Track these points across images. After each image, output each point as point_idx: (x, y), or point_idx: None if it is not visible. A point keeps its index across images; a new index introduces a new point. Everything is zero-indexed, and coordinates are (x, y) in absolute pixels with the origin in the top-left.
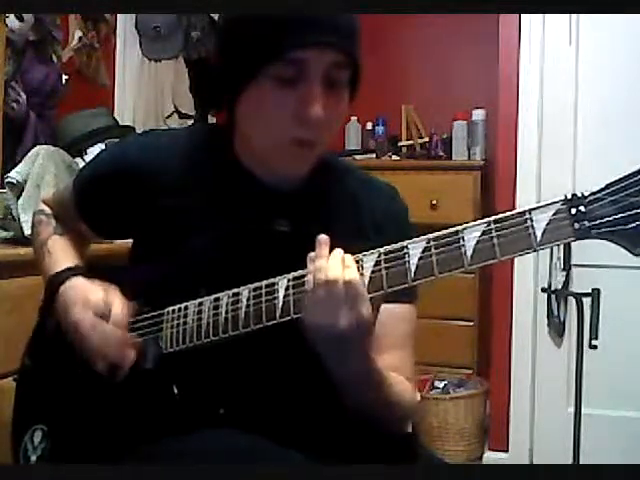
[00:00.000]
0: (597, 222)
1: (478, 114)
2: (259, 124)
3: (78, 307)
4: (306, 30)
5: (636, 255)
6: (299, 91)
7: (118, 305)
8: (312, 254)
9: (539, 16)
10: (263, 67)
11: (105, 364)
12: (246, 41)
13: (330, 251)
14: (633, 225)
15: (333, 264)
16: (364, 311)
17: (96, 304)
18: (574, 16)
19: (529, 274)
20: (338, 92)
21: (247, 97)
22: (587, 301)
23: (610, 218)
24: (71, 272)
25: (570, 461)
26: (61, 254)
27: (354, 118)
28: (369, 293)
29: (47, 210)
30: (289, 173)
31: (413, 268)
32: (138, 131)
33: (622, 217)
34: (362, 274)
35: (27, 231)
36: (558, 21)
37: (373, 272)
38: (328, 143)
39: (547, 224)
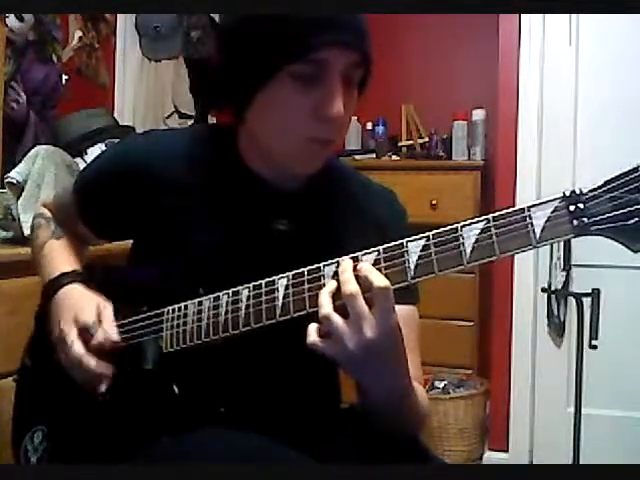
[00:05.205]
0: (596, 219)
1: (478, 114)
2: (276, 123)
3: (67, 321)
4: (327, 30)
5: (635, 252)
6: (320, 90)
7: (106, 326)
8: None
9: (539, 16)
10: (283, 66)
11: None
12: (265, 41)
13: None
14: (632, 221)
15: (349, 278)
16: (395, 317)
17: (84, 322)
18: (574, 16)
19: (529, 274)
20: (352, 91)
21: (264, 96)
22: (587, 301)
23: (610, 214)
24: (67, 278)
25: (570, 461)
26: (58, 258)
27: (354, 118)
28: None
29: (47, 214)
30: (303, 172)
31: (412, 266)
32: (138, 131)
33: (621, 213)
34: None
35: (27, 231)
36: (558, 21)
37: None
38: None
39: (546, 221)
